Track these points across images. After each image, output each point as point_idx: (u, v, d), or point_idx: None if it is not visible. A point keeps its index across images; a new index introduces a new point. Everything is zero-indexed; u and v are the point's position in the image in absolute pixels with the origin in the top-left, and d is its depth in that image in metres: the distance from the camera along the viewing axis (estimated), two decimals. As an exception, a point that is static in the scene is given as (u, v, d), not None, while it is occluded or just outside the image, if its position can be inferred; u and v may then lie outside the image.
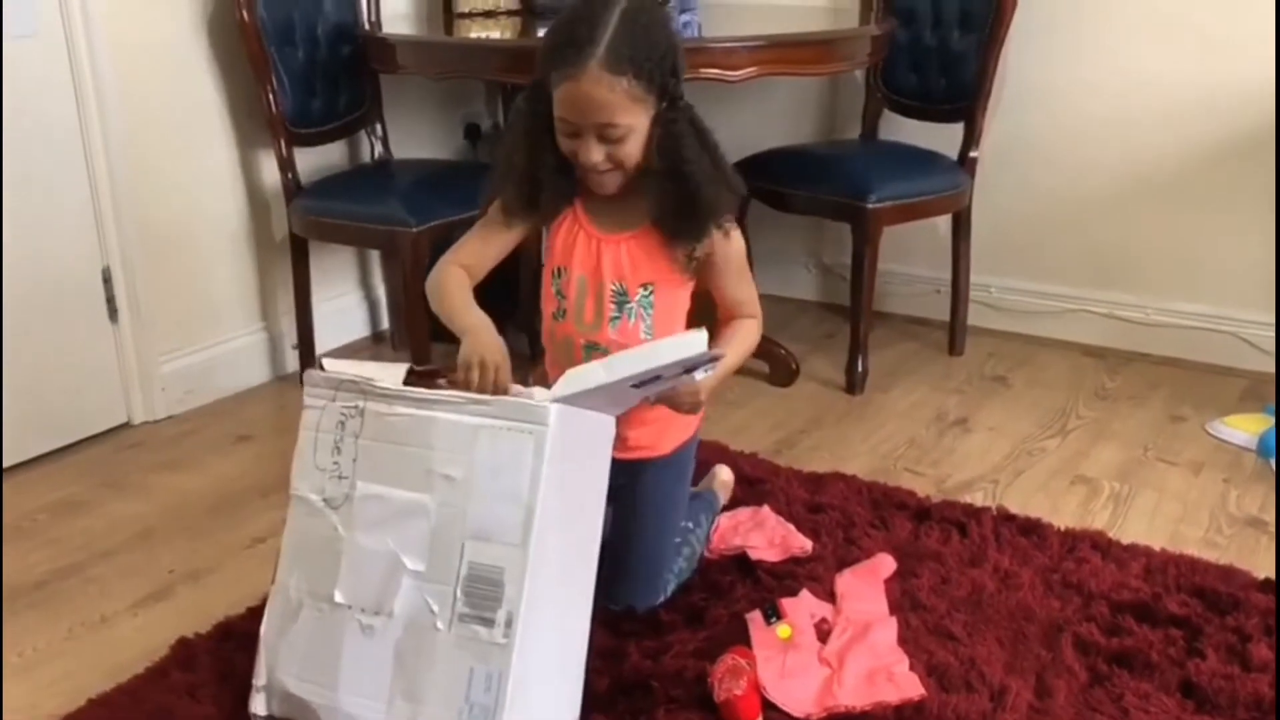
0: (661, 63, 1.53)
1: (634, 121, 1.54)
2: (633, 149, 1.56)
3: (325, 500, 1.50)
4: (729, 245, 1.68)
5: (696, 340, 1.43)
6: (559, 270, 1.70)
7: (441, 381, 1.54)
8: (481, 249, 1.70)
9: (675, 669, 1.64)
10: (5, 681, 1.73)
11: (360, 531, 1.46)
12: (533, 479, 1.38)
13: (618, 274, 1.66)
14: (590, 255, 1.67)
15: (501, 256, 1.72)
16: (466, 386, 1.48)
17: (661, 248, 1.65)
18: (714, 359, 1.47)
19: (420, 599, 1.41)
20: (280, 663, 1.51)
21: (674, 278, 1.67)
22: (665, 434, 1.76)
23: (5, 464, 2.37)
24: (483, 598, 1.38)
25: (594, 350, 1.66)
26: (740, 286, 1.72)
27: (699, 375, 1.49)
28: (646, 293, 1.66)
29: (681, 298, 1.72)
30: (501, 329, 1.59)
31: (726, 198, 1.64)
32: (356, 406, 1.48)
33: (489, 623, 1.37)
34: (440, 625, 1.40)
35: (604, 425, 1.52)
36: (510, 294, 2.70)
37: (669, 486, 1.80)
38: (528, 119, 1.60)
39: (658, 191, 1.60)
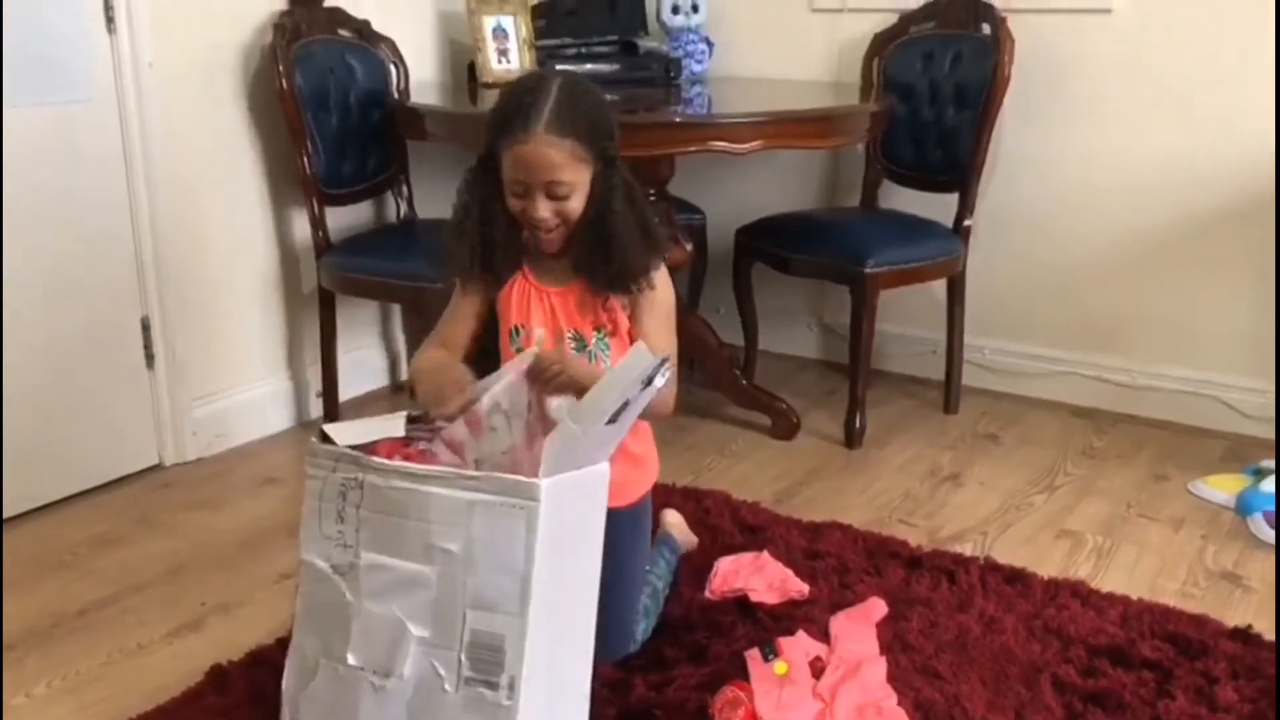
0: (597, 126, 1.70)
1: (577, 179, 1.69)
2: (576, 205, 1.71)
3: (333, 567, 1.54)
4: (654, 294, 1.79)
5: (639, 354, 1.51)
6: (517, 329, 1.80)
7: (438, 425, 1.63)
8: (452, 326, 1.82)
9: (678, 700, 1.75)
10: (51, 703, 1.85)
11: (367, 598, 1.51)
12: (527, 552, 1.43)
13: (571, 322, 1.78)
14: (544, 308, 1.79)
15: (473, 328, 1.83)
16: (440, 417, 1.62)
17: (596, 300, 1.78)
18: (664, 362, 1.52)
19: (428, 663, 1.47)
20: (302, 717, 1.58)
21: (615, 328, 1.79)
22: (627, 486, 1.82)
23: (45, 500, 2.51)
24: (486, 662, 1.45)
25: None
26: (660, 335, 1.78)
27: (659, 382, 1.54)
28: (600, 335, 1.79)
29: (635, 335, 1.81)
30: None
31: (645, 257, 1.76)
32: (355, 479, 1.53)
33: (494, 686, 1.44)
34: (448, 688, 1.46)
35: (596, 476, 1.57)
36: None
37: (632, 539, 1.86)
38: (478, 187, 1.74)
39: (582, 241, 1.73)
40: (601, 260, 1.73)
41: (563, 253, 1.77)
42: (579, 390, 1.58)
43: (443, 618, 1.47)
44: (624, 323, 1.80)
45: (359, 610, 1.52)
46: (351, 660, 1.52)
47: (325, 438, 1.58)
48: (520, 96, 1.69)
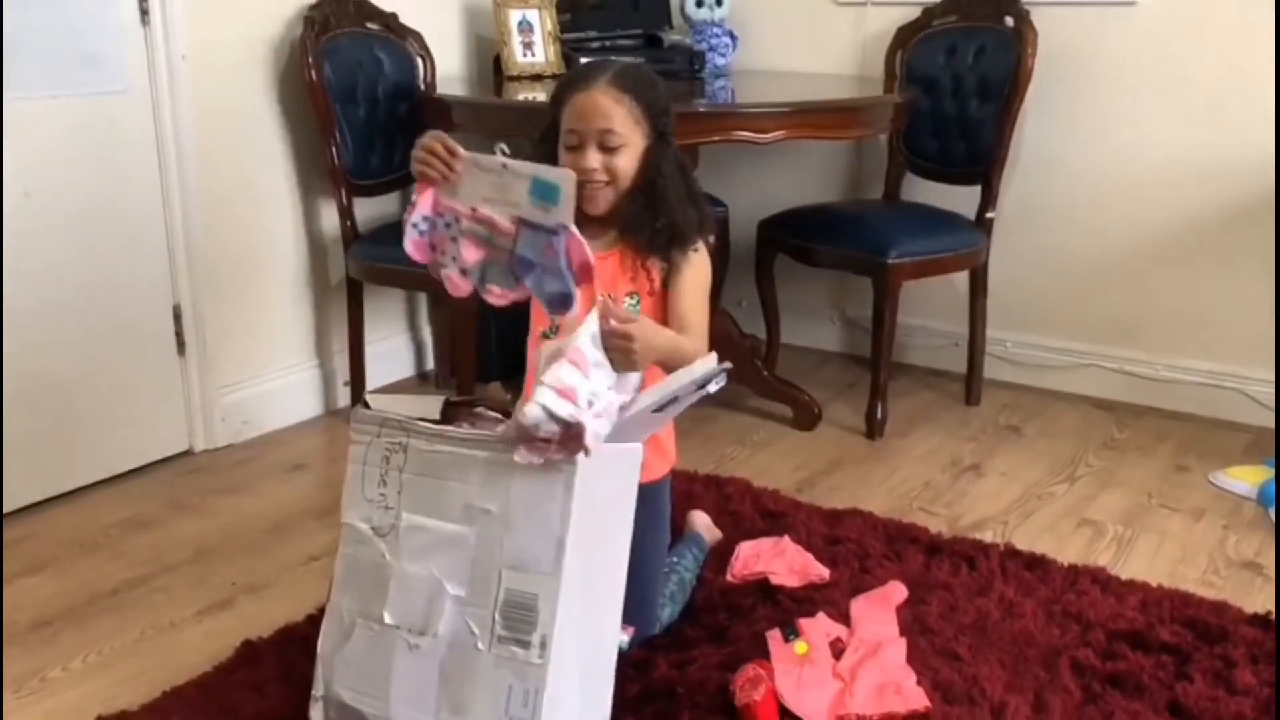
0: (655, 100, 1.78)
1: (629, 135, 1.75)
2: (625, 164, 1.75)
3: (373, 529, 1.61)
4: (692, 266, 1.82)
5: (708, 362, 1.56)
6: None
7: (478, 410, 1.67)
8: None
9: (700, 679, 1.78)
10: (87, 677, 1.89)
11: (406, 558, 1.56)
12: (563, 514, 1.48)
13: (605, 286, 1.81)
14: None
15: None
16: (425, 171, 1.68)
17: (636, 262, 1.81)
18: (724, 371, 1.56)
19: (462, 621, 1.52)
20: (336, 677, 1.63)
21: (652, 289, 1.83)
22: (649, 465, 1.81)
23: (78, 484, 2.56)
24: (519, 621, 1.50)
25: None
26: (693, 309, 1.80)
27: (712, 388, 1.58)
28: (633, 302, 1.81)
29: (664, 305, 1.84)
30: (509, 386, 1.73)
31: (693, 219, 1.81)
32: (400, 443, 1.59)
33: (525, 644, 1.49)
34: (481, 646, 1.51)
35: (630, 453, 1.62)
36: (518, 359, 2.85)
37: (648, 515, 1.83)
38: (543, 153, 1.80)
39: (632, 205, 1.78)
40: (649, 218, 1.77)
41: (606, 218, 1.80)
42: (649, 361, 1.60)
43: (479, 577, 1.52)
44: (658, 287, 1.83)
45: (397, 571, 1.57)
46: (388, 619, 1.57)
47: (368, 407, 1.63)
48: (586, 66, 1.82)
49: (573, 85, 1.78)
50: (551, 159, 1.78)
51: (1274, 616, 1.97)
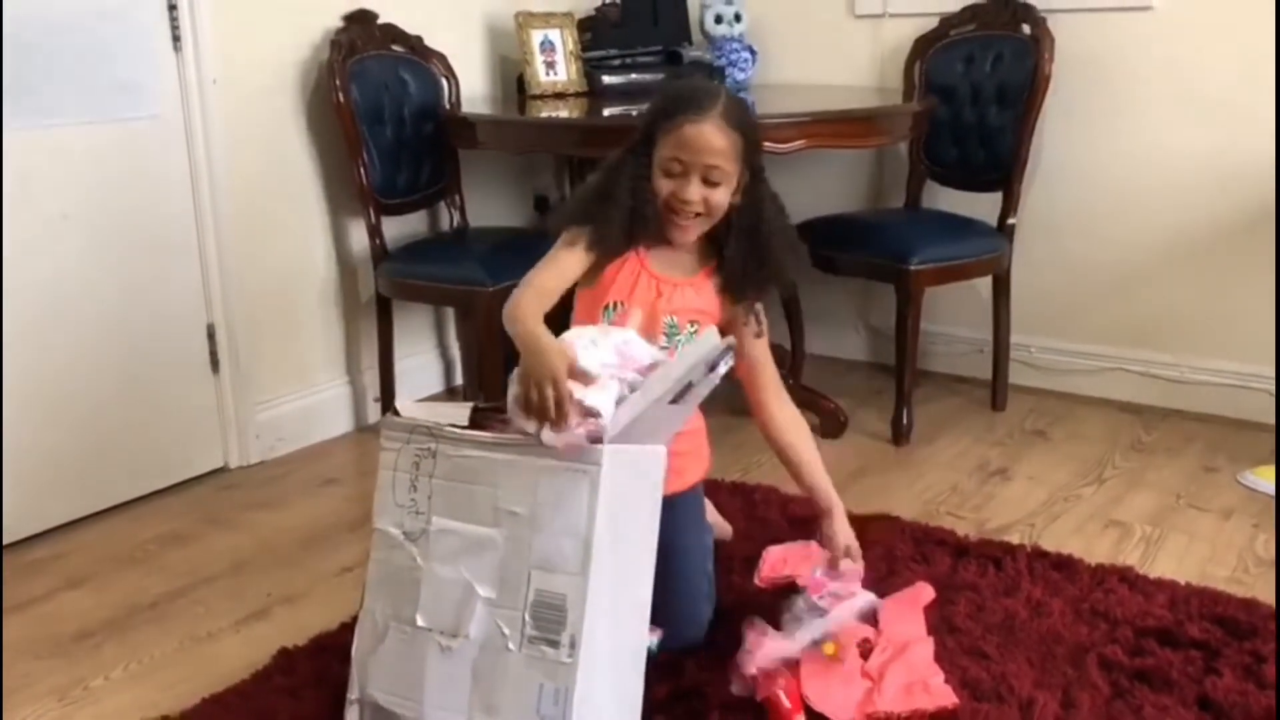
0: (754, 136, 1.81)
1: (732, 172, 1.78)
2: (722, 199, 1.79)
3: (405, 534, 1.65)
4: (763, 322, 1.91)
5: (709, 337, 1.59)
6: (615, 304, 1.86)
7: (505, 416, 1.67)
8: (559, 276, 1.82)
9: (727, 680, 1.79)
10: (128, 685, 1.93)
11: (437, 562, 1.60)
12: (589, 514, 1.52)
13: (672, 310, 1.85)
14: (650, 293, 1.86)
15: (567, 284, 1.84)
16: (530, 403, 1.55)
17: (713, 294, 1.86)
18: (729, 348, 1.59)
19: (493, 623, 1.56)
20: (370, 679, 1.67)
21: (715, 320, 1.87)
22: (686, 470, 1.92)
23: (117, 501, 2.61)
24: (549, 621, 1.53)
25: None
26: (768, 353, 1.93)
27: (722, 369, 1.61)
28: (693, 329, 1.85)
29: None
30: None
31: (793, 262, 1.88)
32: (429, 448, 1.63)
33: (555, 644, 1.52)
34: (512, 646, 1.54)
35: (655, 455, 1.65)
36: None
37: (688, 520, 1.93)
38: (634, 164, 1.81)
39: (737, 244, 1.82)
40: (755, 264, 1.82)
41: (690, 247, 1.85)
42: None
43: (508, 579, 1.55)
44: (719, 318, 1.88)
45: (428, 574, 1.61)
46: (420, 622, 1.61)
47: (398, 415, 1.66)
48: (694, 88, 1.82)
49: (682, 110, 1.76)
50: (642, 172, 1.80)
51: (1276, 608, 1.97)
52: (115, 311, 2.55)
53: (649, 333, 1.83)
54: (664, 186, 1.78)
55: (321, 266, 2.99)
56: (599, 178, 1.86)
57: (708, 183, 1.76)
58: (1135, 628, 1.92)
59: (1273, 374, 2.92)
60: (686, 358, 1.60)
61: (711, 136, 1.74)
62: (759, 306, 1.90)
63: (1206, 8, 2.85)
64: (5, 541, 2.40)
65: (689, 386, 1.59)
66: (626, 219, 1.81)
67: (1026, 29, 2.99)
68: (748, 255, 1.82)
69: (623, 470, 1.57)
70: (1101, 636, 1.90)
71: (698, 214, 1.79)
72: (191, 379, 2.74)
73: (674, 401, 1.60)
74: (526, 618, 1.54)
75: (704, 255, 1.91)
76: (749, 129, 1.79)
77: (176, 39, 2.58)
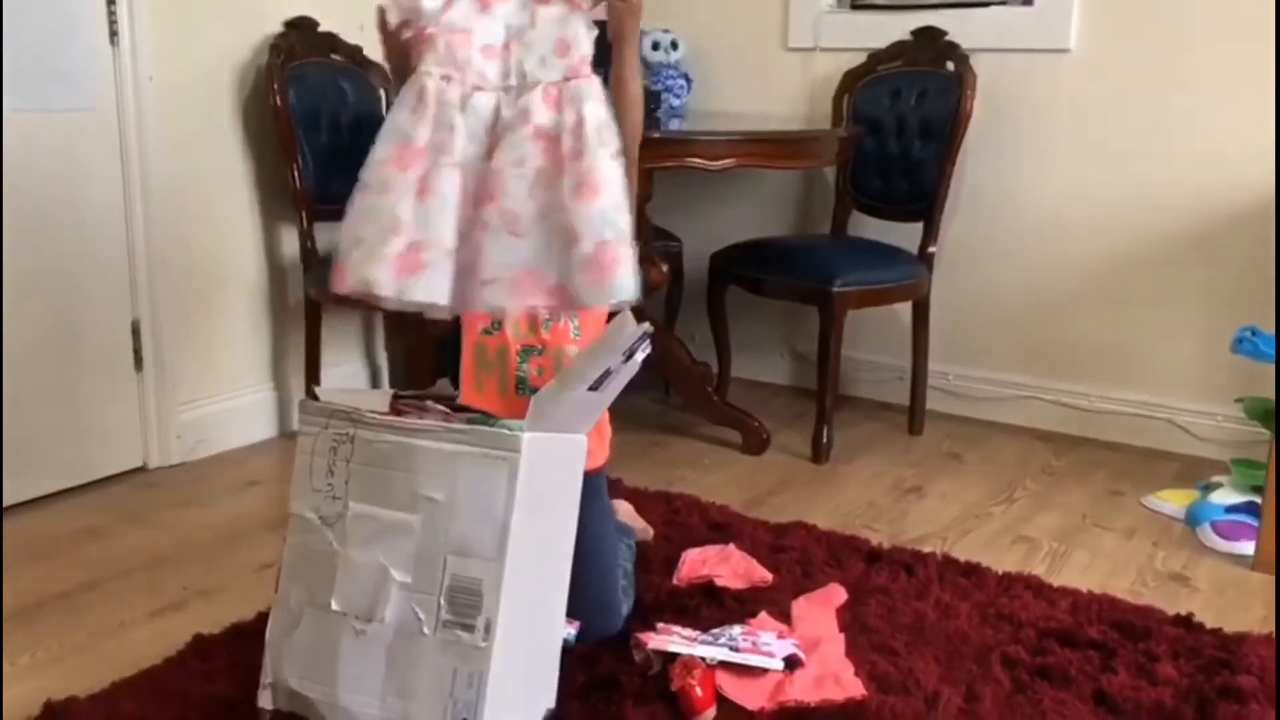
0: None
1: None
2: None
3: (321, 518, 1.64)
4: None
5: (625, 323, 1.62)
6: None
7: (425, 403, 1.71)
8: None
9: (636, 659, 1.82)
10: (35, 671, 1.90)
11: (353, 547, 1.60)
12: (507, 501, 1.53)
13: None
14: None
15: None
16: None
17: None
18: (647, 335, 1.63)
19: (408, 607, 1.56)
20: (284, 663, 1.66)
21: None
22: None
23: (33, 495, 2.57)
24: (464, 606, 1.54)
25: (531, 352, 1.87)
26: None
27: (639, 356, 1.63)
28: None
29: None
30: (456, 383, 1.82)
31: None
32: (347, 434, 1.63)
33: (470, 628, 1.53)
34: (427, 631, 1.55)
35: (575, 444, 1.68)
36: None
37: (595, 502, 1.89)
38: None
39: None
40: None
41: None
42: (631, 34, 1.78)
43: (424, 564, 1.56)
44: None
45: (344, 559, 1.61)
46: (335, 606, 1.60)
47: (316, 399, 1.67)
48: None
49: None
50: None
51: (1196, 618, 2.05)
52: (39, 304, 2.52)
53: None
54: None
55: (251, 268, 2.99)
56: None
57: None
58: (1038, 629, 1.98)
59: (1177, 405, 3.05)
60: (604, 344, 1.63)
61: None
62: None
63: (1121, 53, 2.99)
64: (-88, 531, 2.36)
65: (607, 373, 1.62)
66: None
67: (950, 66, 3.11)
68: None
69: (542, 458, 1.59)
70: (1006, 637, 1.96)
71: None
72: (114, 376, 2.71)
73: (592, 389, 1.63)
74: (442, 602, 1.55)
75: None
76: None
77: (114, 34, 2.59)
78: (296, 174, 2.88)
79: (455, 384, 1.92)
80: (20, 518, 2.50)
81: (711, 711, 1.71)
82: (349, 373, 3.29)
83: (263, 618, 1.90)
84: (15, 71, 2.41)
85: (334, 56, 3.03)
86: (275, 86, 2.81)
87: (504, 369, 1.86)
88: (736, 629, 1.90)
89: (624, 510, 2.30)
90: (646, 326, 1.63)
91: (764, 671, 1.78)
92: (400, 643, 1.57)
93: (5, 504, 2.51)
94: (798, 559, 2.24)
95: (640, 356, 1.64)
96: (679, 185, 3.41)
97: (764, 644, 1.83)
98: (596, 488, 1.96)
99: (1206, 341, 2.96)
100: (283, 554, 1.71)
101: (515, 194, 1.66)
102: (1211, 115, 2.89)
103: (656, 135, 2.85)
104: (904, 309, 3.20)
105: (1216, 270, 2.93)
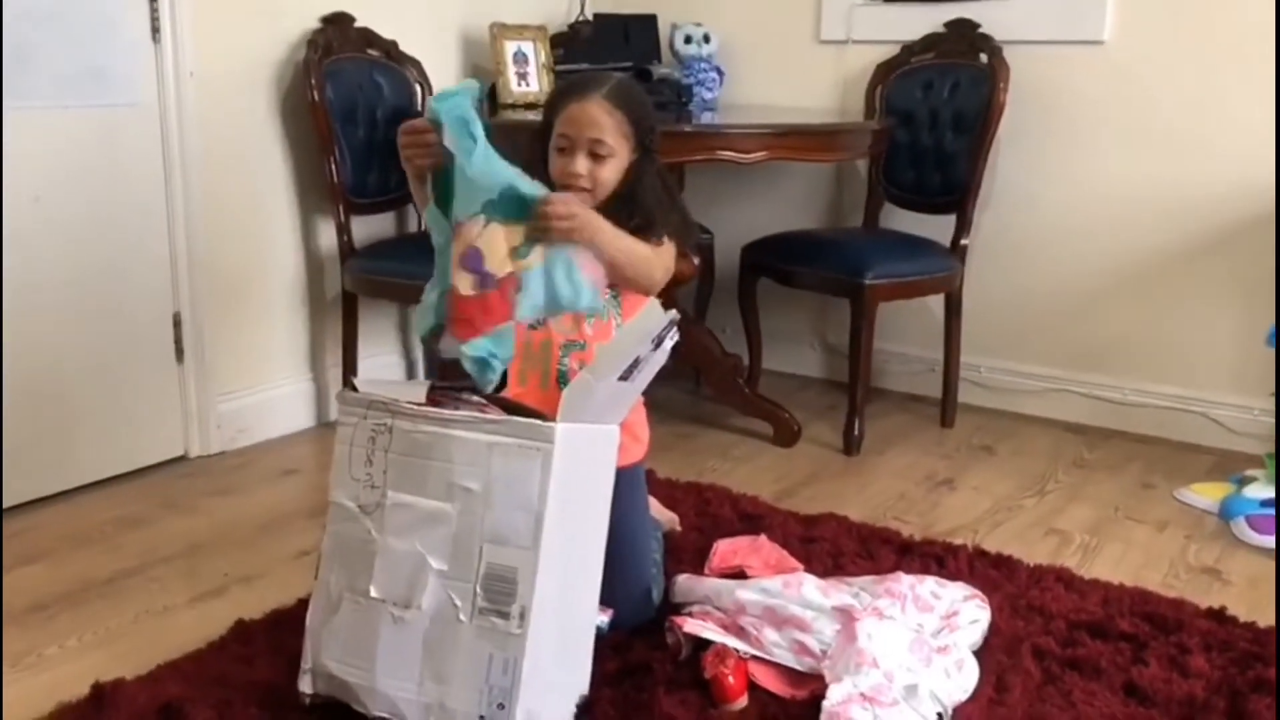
0: (644, 116, 1.90)
1: (617, 148, 1.86)
2: (609, 174, 1.87)
3: (360, 506, 1.67)
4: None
5: (652, 310, 1.65)
6: None
7: (462, 395, 1.73)
8: None
9: (671, 649, 1.84)
10: (83, 654, 1.95)
11: (391, 535, 1.63)
12: (541, 491, 1.56)
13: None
14: None
15: None
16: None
17: None
18: (673, 323, 1.65)
19: (445, 594, 1.59)
20: (324, 649, 1.70)
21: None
22: (624, 448, 1.88)
23: (76, 484, 2.62)
24: (499, 593, 1.57)
25: (573, 347, 1.89)
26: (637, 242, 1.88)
27: (668, 344, 1.66)
28: (614, 294, 1.91)
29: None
30: None
31: (671, 222, 1.92)
32: (385, 424, 1.66)
33: (505, 615, 1.57)
34: (463, 618, 1.58)
35: (608, 434, 1.70)
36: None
37: (631, 496, 1.94)
38: (538, 150, 1.91)
39: (609, 208, 1.86)
40: (625, 216, 1.87)
41: None
42: (589, 241, 1.74)
43: (461, 552, 1.59)
44: None
45: (383, 546, 1.64)
46: (373, 593, 1.64)
47: (355, 390, 1.70)
48: (583, 76, 1.94)
49: (569, 93, 1.90)
50: (541, 160, 1.89)
51: (1229, 611, 2.05)
52: (82, 296, 2.57)
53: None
54: (556, 164, 1.88)
55: (290, 261, 3.03)
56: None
57: (594, 157, 1.85)
58: (1069, 621, 1.99)
59: (1212, 399, 3.03)
60: (632, 333, 1.65)
61: (595, 112, 1.84)
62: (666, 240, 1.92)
63: (1155, 43, 2.97)
64: (-39, 517, 2.41)
65: (637, 362, 1.64)
66: None
67: (983, 58, 3.10)
68: (620, 210, 1.87)
69: (575, 449, 1.61)
70: (1036, 628, 1.97)
71: (586, 189, 1.86)
72: (156, 366, 2.76)
73: (623, 379, 1.65)
74: (478, 590, 1.58)
75: None
76: (636, 108, 1.88)
77: (156, 30, 2.63)
78: (334, 168, 2.92)
79: None
80: (63, 505, 2.56)
81: (743, 700, 1.73)
82: (385, 364, 3.33)
83: (302, 604, 1.94)
84: (57, 69, 2.46)
85: (370, 51, 3.06)
86: (313, 82, 2.85)
87: (546, 363, 1.88)
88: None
89: (651, 505, 2.32)
90: (674, 314, 1.65)
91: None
92: (437, 629, 1.60)
93: (48, 493, 2.57)
94: (829, 550, 2.26)
95: (669, 344, 1.66)
96: (711, 178, 3.43)
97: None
98: (635, 481, 1.98)
99: (1242, 335, 2.94)
100: (322, 542, 1.74)
101: None
102: (1247, 108, 2.87)
103: (688, 129, 2.88)
104: (936, 301, 3.20)
105: (1252, 263, 2.91)
